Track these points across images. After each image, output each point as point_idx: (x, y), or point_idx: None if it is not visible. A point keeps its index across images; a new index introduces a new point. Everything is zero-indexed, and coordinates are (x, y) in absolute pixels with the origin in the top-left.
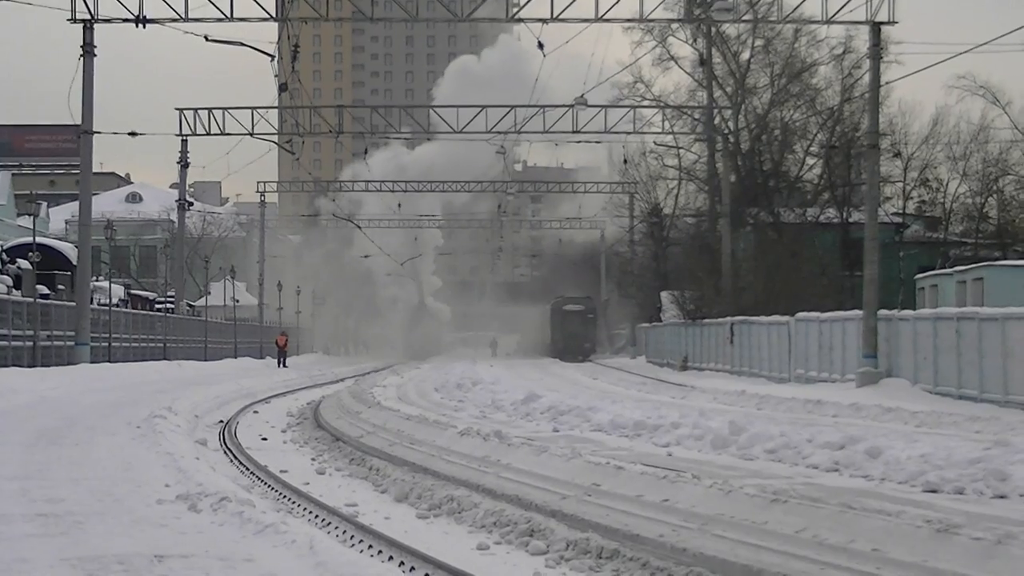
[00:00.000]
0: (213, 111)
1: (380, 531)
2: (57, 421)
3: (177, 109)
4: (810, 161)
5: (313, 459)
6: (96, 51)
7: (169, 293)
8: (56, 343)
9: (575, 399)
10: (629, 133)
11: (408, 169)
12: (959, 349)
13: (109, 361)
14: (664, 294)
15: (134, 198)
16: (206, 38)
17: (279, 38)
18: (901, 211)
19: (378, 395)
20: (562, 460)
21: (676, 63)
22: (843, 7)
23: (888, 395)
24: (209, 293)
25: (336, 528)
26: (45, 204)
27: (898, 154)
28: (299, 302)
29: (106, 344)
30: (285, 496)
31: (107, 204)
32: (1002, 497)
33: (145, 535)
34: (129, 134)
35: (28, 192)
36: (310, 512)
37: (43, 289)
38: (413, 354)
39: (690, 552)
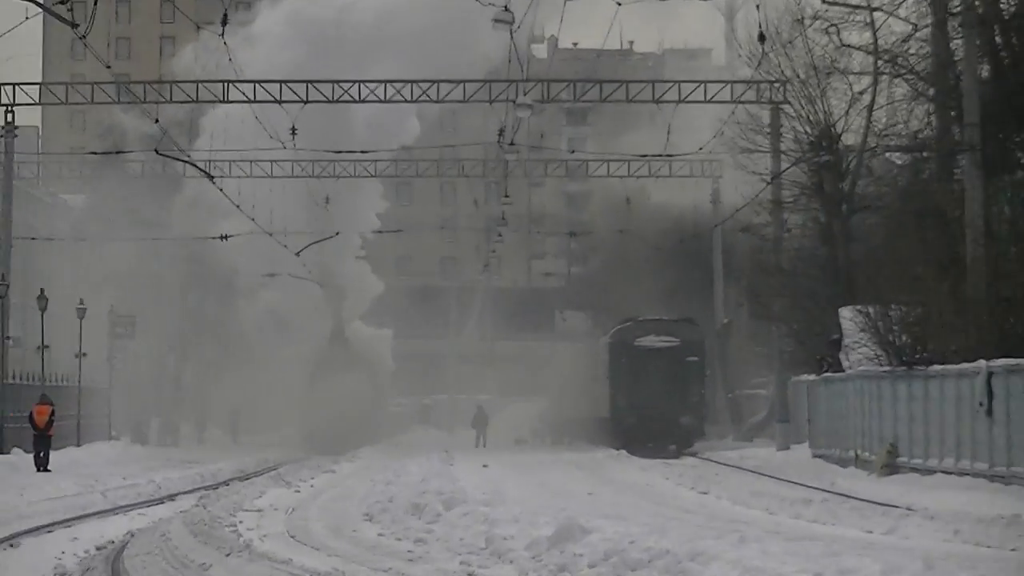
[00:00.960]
0: None
1: None
2: None
3: None
4: None
5: None
6: None
7: None
8: None
9: (662, 536)
10: None
11: (315, 57)
12: None
13: None
14: (846, 312)
15: None
16: None
17: None
18: None
19: (248, 528)
20: None
21: None
22: None
23: None
24: None
25: None
26: None
27: None
28: (83, 334)
29: None
30: None
31: None
32: None
33: None
34: None
35: None
36: None
37: None
38: (321, 441)
39: None
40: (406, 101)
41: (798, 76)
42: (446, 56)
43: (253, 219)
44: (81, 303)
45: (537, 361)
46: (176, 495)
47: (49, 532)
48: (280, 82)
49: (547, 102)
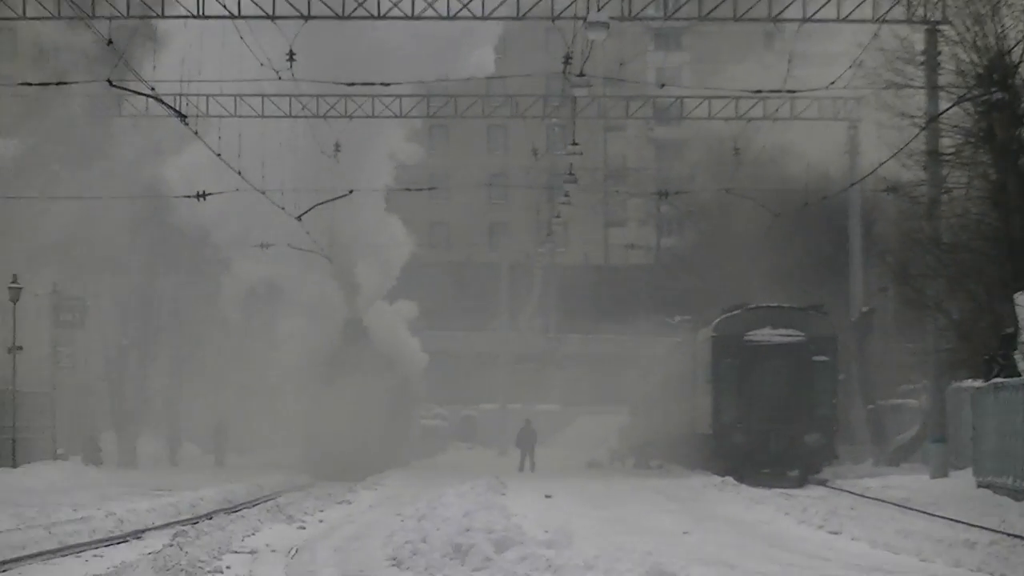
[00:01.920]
0: None
1: None
2: None
3: None
4: None
5: None
6: None
7: None
8: None
9: None
10: None
11: None
12: None
13: None
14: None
15: None
16: None
17: None
18: None
19: (237, 572)
20: None
21: None
22: None
23: None
24: None
25: None
26: None
27: None
28: (18, 321)
29: None
30: None
31: None
32: None
33: None
34: None
35: None
36: None
37: None
38: (333, 464)
39: None
40: (440, 18)
41: None
42: None
43: (239, 172)
44: (14, 281)
45: (615, 362)
46: (143, 532)
47: None
48: None
49: (628, 20)
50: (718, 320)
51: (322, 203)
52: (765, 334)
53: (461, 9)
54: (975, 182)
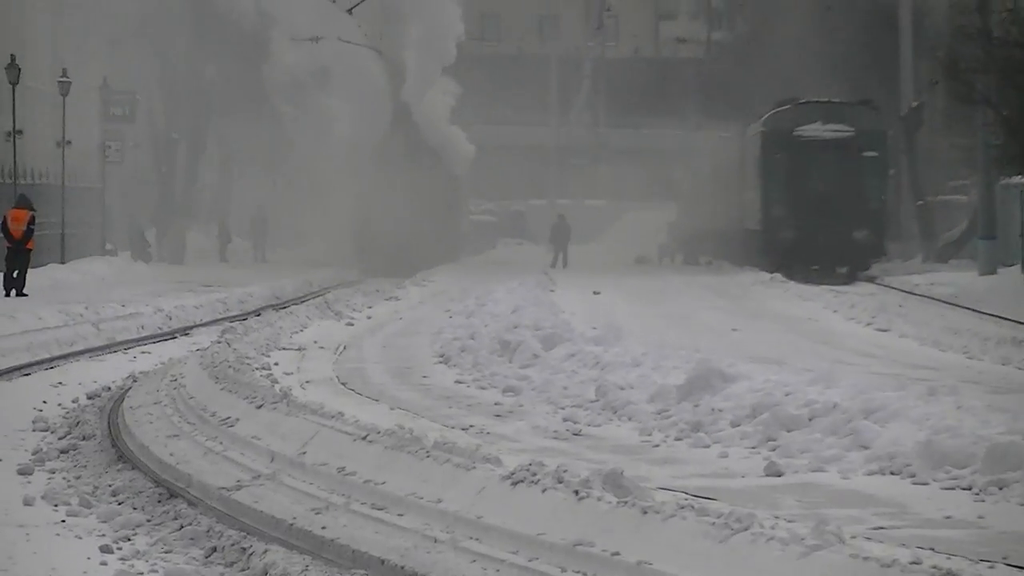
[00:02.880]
0: None
1: None
2: None
3: None
4: None
5: (106, 556)
6: None
7: None
8: None
9: (827, 387)
10: None
11: None
12: None
13: None
14: None
15: None
16: None
17: None
18: None
19: (285, 371)
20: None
21: None
22: None
23: None
24: None
25: None
26: None
27: None
28: (67, 115)
29: None
30: None
31: None
32: None
33: None
34: None
35: None
36: None
37: None
38: (381, 258)
39: None
40: None
41: None
42: None
43: None
44: (64, 75)
45: (665, 157)
46: (191, 328)
47: (26, 375)
48: None
49: None
50: (767, 116)
51: None
52: (815, 129)
53: None
54: None
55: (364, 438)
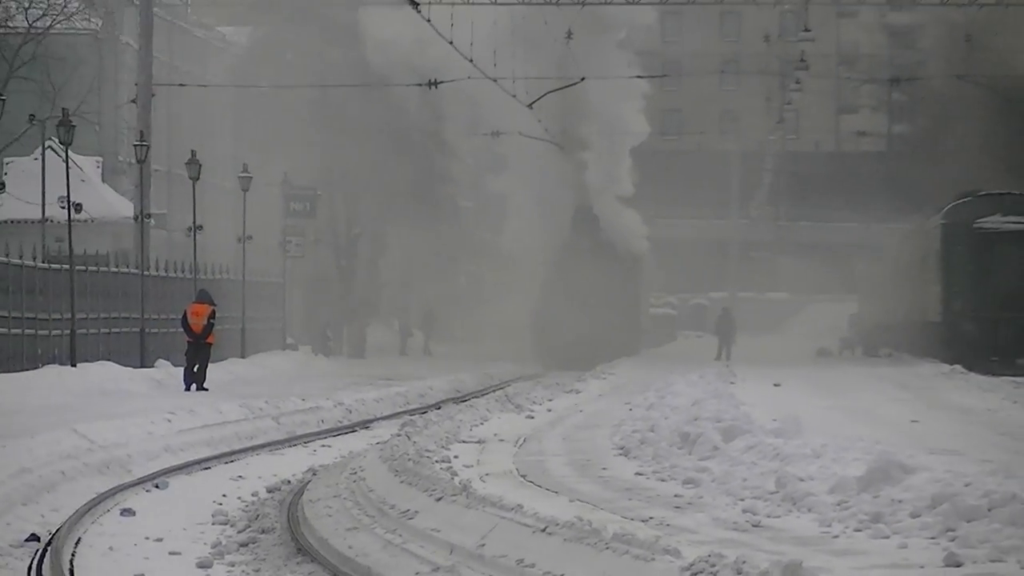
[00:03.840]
0: None
1: None
2: None
3: None
4: None
5: None
6: None
7: None
8: None
9: (1007, 477)
10: None
11: None
12: None
13: None
14: None
15: None
16: None
17: None
18: None
19: (465, 464)
20: None
21: None
22: None
23: None
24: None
25: None
26: None
27: None
28: (248, 210)
29: None
30: None
31: None
32: None
33: None
34: None
35: None
36: None
37: None
38: (562, 353)
39: None
40: None
41: None
42: None
43: (471, 60)
44: (245, 170)
45: (845, 250)
46: (371, 422)
47: (206, 469)
48: None
49: None
50: (948, 208)
51: (553, 91)
52: (995, 221)
53: None
54: None
55: (543, 530)
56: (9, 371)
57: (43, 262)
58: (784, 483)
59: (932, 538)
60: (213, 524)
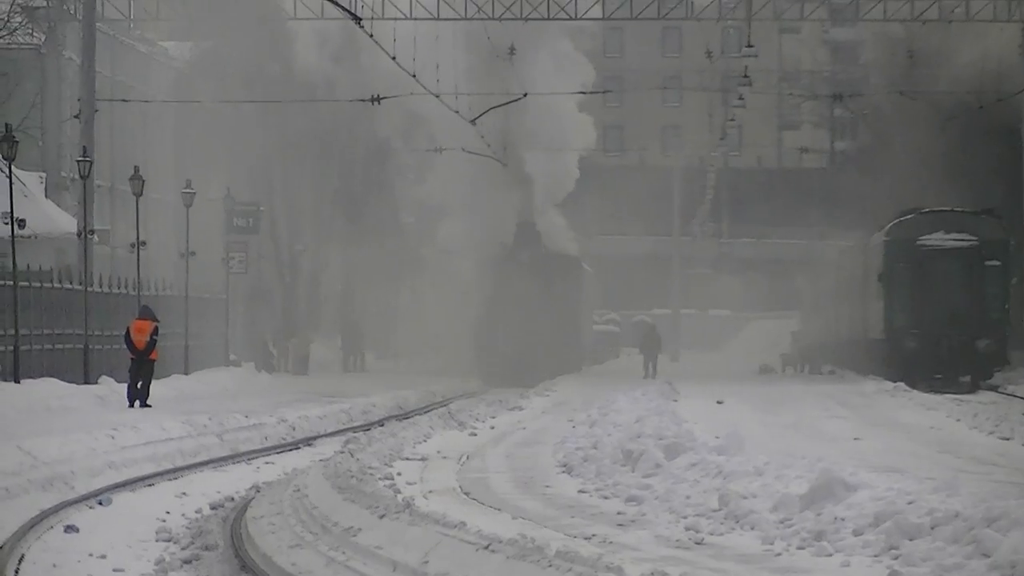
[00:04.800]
0: None
1: None
2: None
3: None
4: None
5: None
6: None
7: None
8: None
9: (950, 495)
10: None
11: None
12: None
13: None
14: None
15: None
16: None
17: None
18: None
19: (408, 481)
20: None
21: None
22: None
23: None
24: None
25: None
26: None
27: None
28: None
29: None
30: None
31: None
32: None
33: None
34: None
35: None
36: None
37: None
38: (505, 370)
39: None
40: None
41: None
42: None
43: (414, 75)
44: (188, 186)
45: (788, 266)
46: (315, 439)
47: (150, 486)
48: None
49: None
50: (890, 225)
51: (495, 107)
52: (938, 238)
53: None
54: None
55: (487, 547)
56: None
57: None
58: (727, 500)
59: (875, 556)
60: (157, 541)
